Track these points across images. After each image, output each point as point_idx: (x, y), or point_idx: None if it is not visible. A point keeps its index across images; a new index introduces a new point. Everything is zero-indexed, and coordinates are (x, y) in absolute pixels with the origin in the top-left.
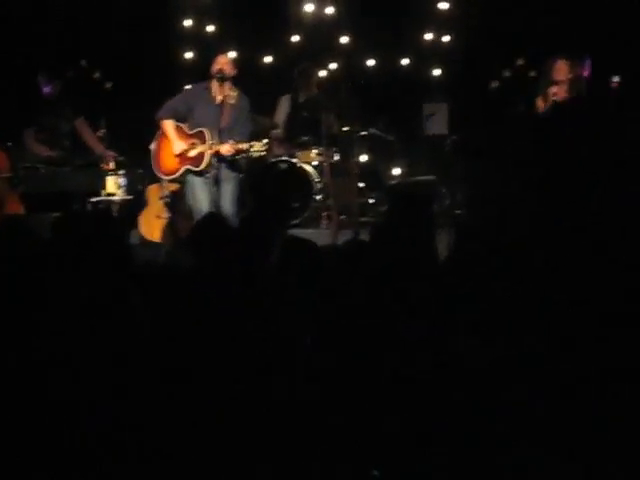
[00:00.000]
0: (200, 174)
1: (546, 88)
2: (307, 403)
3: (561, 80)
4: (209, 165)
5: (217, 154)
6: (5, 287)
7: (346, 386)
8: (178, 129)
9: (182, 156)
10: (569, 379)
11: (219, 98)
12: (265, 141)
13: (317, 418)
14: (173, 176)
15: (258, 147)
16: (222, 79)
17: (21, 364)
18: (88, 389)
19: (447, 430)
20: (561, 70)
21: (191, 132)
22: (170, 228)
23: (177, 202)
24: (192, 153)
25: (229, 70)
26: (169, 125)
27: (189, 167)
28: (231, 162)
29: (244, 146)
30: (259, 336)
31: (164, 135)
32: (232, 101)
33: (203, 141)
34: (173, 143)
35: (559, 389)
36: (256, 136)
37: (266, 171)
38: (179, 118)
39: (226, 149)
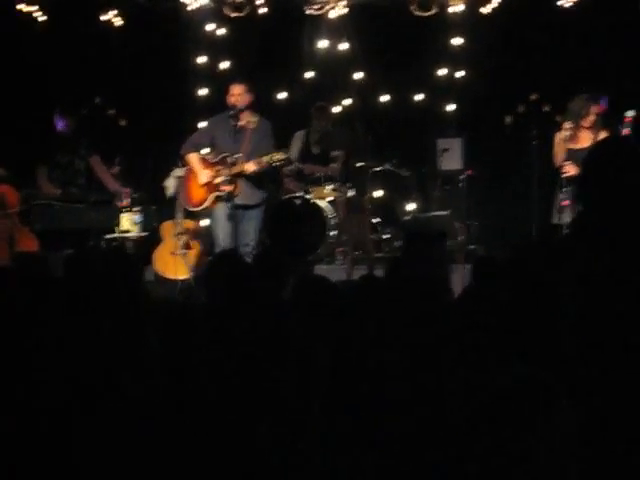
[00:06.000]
0: (228, 199)
1: (562, 123)
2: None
3: (586, 125)
4: (236, 188)
5: (242, 174)
6: (18, 324)
7: (360, 429)
8: (203, 160)
9: (209, 185)
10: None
11: (240, 124)
12: (284, 150)
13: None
14: (203, 206)
15: (279, 156)
16: (237, 112)
17: (32, 404)
18: (105, 426)
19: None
20: (591, 118)
21: (215, 160)
22: (185, 265)
23: (192, 239)
24: (219, 180)
25: (242, 101)
26: (193, 158)
27: (217, 194)
28: (256, 185)
29: (265, 159)
30: (272, 373)
31: (190, 169)
32: (252, 126)
33: (228, 166)
34: (199, 174)
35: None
36: (270, 173)
37: (280, 208)
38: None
39: (249, 166)
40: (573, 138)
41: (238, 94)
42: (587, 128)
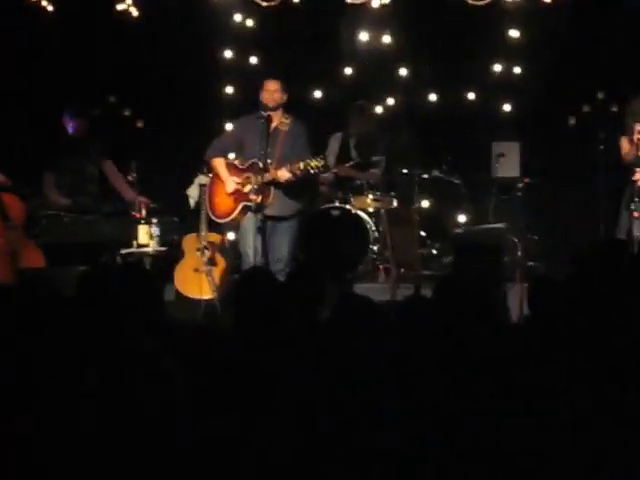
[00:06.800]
0: (257, 210)
1: (632, 125)
2: None
3: None
4: (267, 197)
5: (273, 182)
6: (23, 351)
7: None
8: (230, 166)
9: (237, 193)
10: None
11: (272, 126)
12: (322, 156)
13: None
14: (230, 217)
15: (315, 163)
16: (269, 112)
17: (40, 431)
18: (118, 455)
19: None
20: None
21: (244, 166)
22: (209, 283)
23: (217, 254)
24: (247, 188)
25: (276, 99)
26: (219, 164)
27: (245, 203)
28: (290, 194)
29: (300, 165)
30: (310, 404)
31: (216, 176)
32: (285, 128)
33: (258, 173)
34: (226, 181)
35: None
36: (307, 181)
37: (317, 219)
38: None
39: (282, 174)
40: None
41: (273, 90)
42: None
